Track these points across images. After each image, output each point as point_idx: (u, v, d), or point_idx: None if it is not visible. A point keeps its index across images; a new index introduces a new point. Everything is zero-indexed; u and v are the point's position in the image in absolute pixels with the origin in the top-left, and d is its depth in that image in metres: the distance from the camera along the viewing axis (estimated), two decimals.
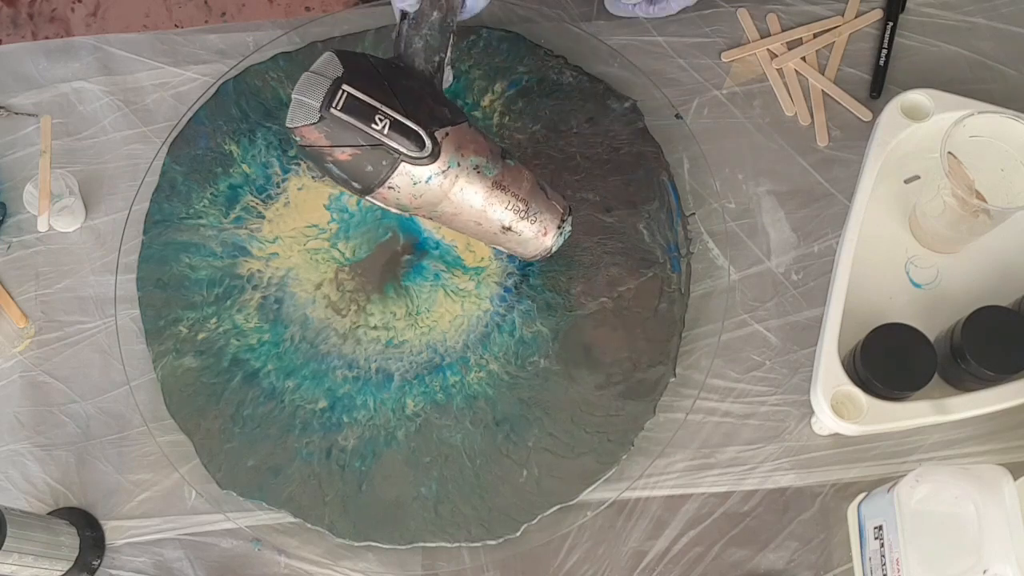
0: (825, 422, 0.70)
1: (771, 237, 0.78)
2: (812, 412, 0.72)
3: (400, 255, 0.77)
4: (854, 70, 0.82)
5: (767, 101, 0.81)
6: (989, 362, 0.67)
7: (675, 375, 0.73)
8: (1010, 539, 0.57)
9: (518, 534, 0.71)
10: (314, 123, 0.60)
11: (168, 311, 0.77)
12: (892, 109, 0.76)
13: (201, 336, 0.76)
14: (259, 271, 0.78)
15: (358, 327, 0.76)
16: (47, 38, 1.63)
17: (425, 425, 0.73)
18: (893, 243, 0.76)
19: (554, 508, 0.71)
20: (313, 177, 0.80)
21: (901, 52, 0.82)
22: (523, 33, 0.83)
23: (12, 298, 0.80)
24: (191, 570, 0.73)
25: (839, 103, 0.81)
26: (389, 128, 0.60)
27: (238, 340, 0.76)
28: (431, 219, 0.67)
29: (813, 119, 0.80)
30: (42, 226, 0.81)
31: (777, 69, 0.82)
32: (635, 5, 0.81)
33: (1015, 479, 0.59)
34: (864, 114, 0.80)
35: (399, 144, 0.60)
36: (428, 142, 0.61)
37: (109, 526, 0.74)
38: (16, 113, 0.86)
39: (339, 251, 0.78)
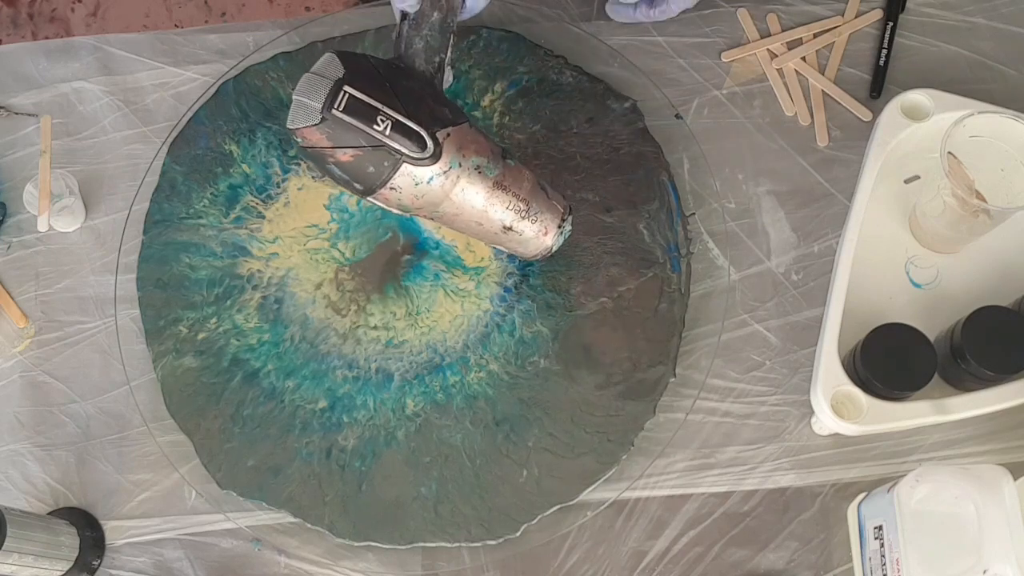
0: (825, 422, 0.70)
1: (771, 237, 0.78)
2: (812, 412, 0.72)
3: (400, 255, 0.77)
4: (854, 70, 0.82)
5: (767, 101, 0.81)
6: (989, 362, 0.67)
7: (675, 375, 0.73)
8: (1010, 539, 0.57)
9: (518, 534, 0.71)
10: (315, 124, 0.60)
11: (168, 311, 0.77)
12: (892, 109, 0.76)
13: (201, 336, 0.76)
14: (259, 271, 0.78)
15: (358, 327, 0.76)
16: (47, 38, 1.63)
17: (425, 425, 0.73)
18: (893, 243, 0.76)
19: (554, 508, 0.71)
20: (313, 177, 0.80)
21: (901, 52, 0.82)
22: (523, 33, 0.83)
23: (12, 298, 0.80)
24: (191, 570, 0.73)
25: (839, 103, 0.81)
26: (391, 129, 0.60)
27: (238, 340, 0.76)
28: (432, 219, 0.67)
29: (813, 119, 0.80)
30: (42, 226, 0.81)
31: (777, 69, 0.82)
32: (636, 9, 0.81)
33: (1015, 479, 0.59)
34: (864, 114, 0.80)
35: (401, 145, 0.60)
36: (430, 143, 0.61)
37: (109, 526, 0.74)
38: (16, 113, 0.86)
39: (339, 251, 0.78)
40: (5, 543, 0.63)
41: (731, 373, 0.74)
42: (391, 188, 0.62)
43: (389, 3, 0.67)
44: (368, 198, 0.64)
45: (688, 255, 0.76)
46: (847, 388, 0.69)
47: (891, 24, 0.82)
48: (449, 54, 0.67)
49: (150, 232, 0.80)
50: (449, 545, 0.71)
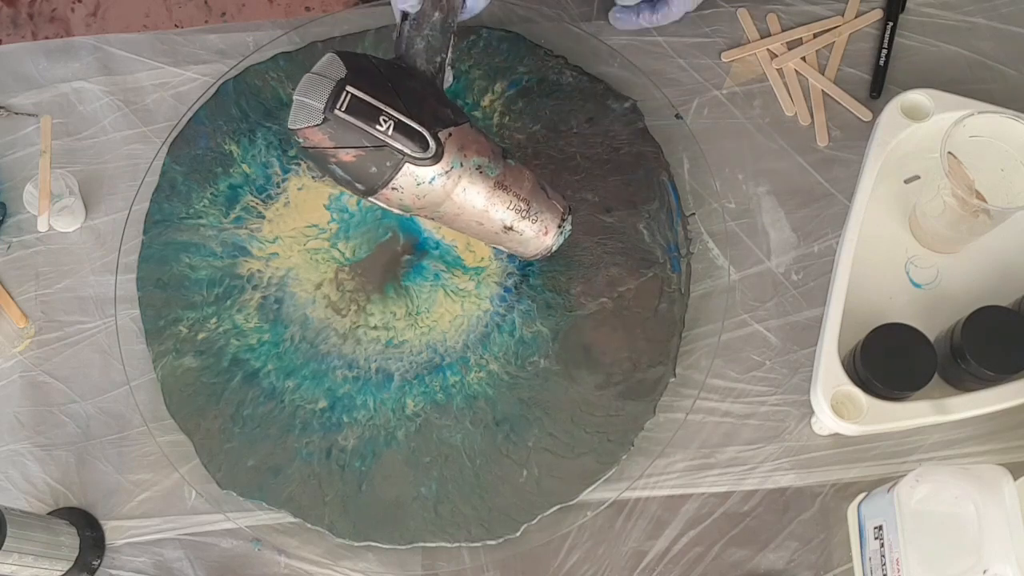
0: (825, 422, 0.70)
1: (771, 237, 0.78)
2: (812, 412, 0.72)
3: (400, 255, 0.77)
4: (854, 70, 0.82)
5: (767, 101, 0.81)
6: (989, 362, 0.67)
7: (675, 375, 0.73)
8: (1010, 539, 0.57)
9: (518, 534, 0.71)
10: (317, 124, 0.60)
11: (168, 311, 0.77)
12: (892, 109, 0.76)
13: (201, 336, 0.76)
14: (259, 271, 0.78)
15: (358, 327, 0.76)
16: (47, 38, 1.63)
17: (425, 425, 0.73)
18: (893, 243, 0.76)
19: (554, 508, 0.71)
20: (313, 177, 0.80)
21: (901, 52, 0.82)
22: (523, 33, 0.83)
23: (12, 298, 0.80)
24: (191, 570, 0.73)
25: (839, 103, 0.81)
26: (393, 129, 0.60)
27: (238, 340, 0.76)
28: (432, 219, 0.67)
29: (813, 119, 0.80)
30: (42, 226, 0.81)
31: (777, 69, 0.82)
32: (639, 16, 0.80)
33: (1015, 479, 0.59)
34: (864, 114, 0.80)
35: (403, 145, 0.60)
36: (432, 143, 0.61)
37: (109, 526, 0.74)
38: (16, 113, 0.86)
39: (339, 251, 0.78)
40: (5, 543, 0.63)
41: (731, 373, 0.74)
42: (393, 188, 0.62)
43: (389, 3, 0.67)
44: (369, 198, 0.64)
45: (688, 255, 0.76)
46: (847, 388, 0.69)
47: (891, 24, 0.82)
48: (450, 54, 0.67)
49: (150, 232, 0.80)
50: (449, 545, 0.71)
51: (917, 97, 0.76)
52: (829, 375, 0.69)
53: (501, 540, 0.71)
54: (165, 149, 0.82)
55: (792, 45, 0.83)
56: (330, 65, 0.61)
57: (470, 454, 0.72)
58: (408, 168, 0.61)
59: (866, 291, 0.74)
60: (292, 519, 0.72)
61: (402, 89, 0.61)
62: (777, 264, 0.77)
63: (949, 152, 0.68)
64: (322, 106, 0.60)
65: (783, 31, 0.83)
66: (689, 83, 0.82)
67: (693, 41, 0.83)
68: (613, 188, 0.78)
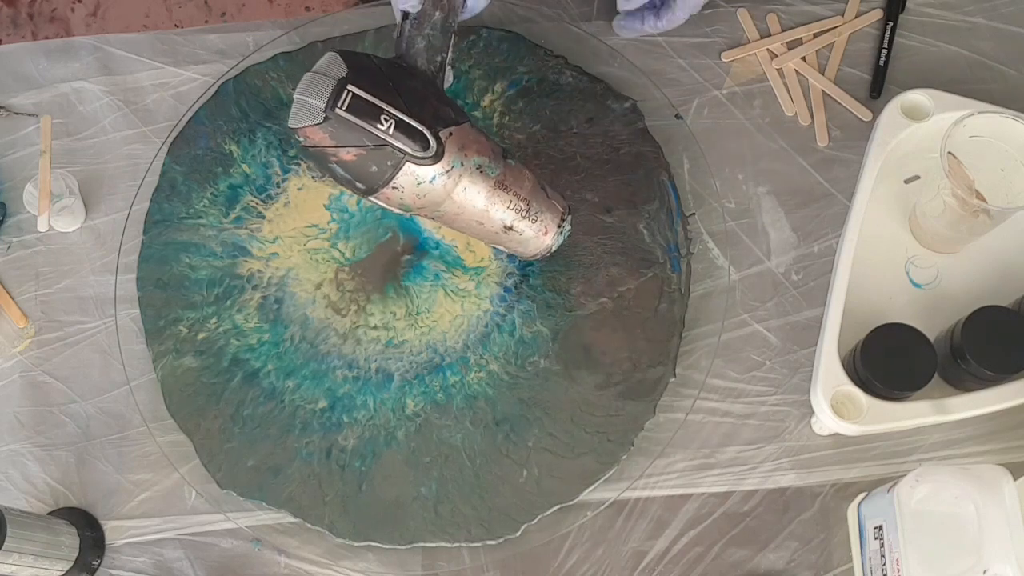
0: (825, 422, 0.70)
1: (771, 237, 0.78)
2: (812, 412, 0.72)
3: (400, 255, 0.77)
4: (854, 70, 0.82)
5: (767, 101, 0.81)
6: (989, 362, 0.67)
7: (675, 375, 0.73)
8: (1010, 539, 0.57)
9: (518, 534, 0.71)
10: (318, 123, 0.60)
11: (168, 311, 0.77)
12: (892, 109, 0.76)
13: (201, 336, 0.76)
14: (259, 271, 0.78)
15: (358, 327, 0.76)
16: (47, 38, 1.63)
17: (425, 425, 0.73)
18: (893, 243, 0.76)
19: (554, 508, 0.71)
20: (313, 177, 0.80)
21: (901, 52, 0.82)
22: (523, 33, 0.83)
23: (12, 298, 0.80)
24: (191, 570, 0.73)
25: (839, 103, 0.81)
26: (394, 128, 0.60)
27: (238, 340, 0.76)
28: (432, 219, 0.67)
29: (813, 119, 0.80)
30: (42, 226, 0.81)
31: (777, 69, 0.82)
32: (643, 23, 0.80)
33: (1015, 479, 0.59)
34: (864, 114, 0.80)
35: (404, 144, 0.60)
36: (433, 142, 0.61)
37: (109, 526, 0.74)
38: (16, 113, 0.86)
39: (339, 251, 0.78)
40: (5, 543, 0.63)
41: (731, 373, 0.74)
42: (393, 187, 0.62)
43: (389, 3, 0.67)
44: (370, 197, 0.64)
45: (688, 255, 0.76)
46: (847, 388, 0.69)
47: (891, 24, 0.82)
48: (450, 54, 0.67)
49: (150, 232, 0.80)
50: (449, 545, 0.71)
51: (917, 97, 0.76)
52: (829, 375, 0.69)
53: (501, 540, 0.71)
54: (165, 149, 0.82)
55: (792, 45, 0.83)
56: (331, 64, 0.61)
57: (470, 454, 0.72)
58: (409, 167, 0.61)
59: (866, 291, 0.74)
60: (292, 519, 0.72)
61: (403, 88, 0.61)
62: (777, 264, 0.77)
63: (949, 152, 0.68)
64: (323, 105, 0.60)
65: (783, 31, 0.83)
66: (689, 83, 0.82)
67: (693, 41, 0.83)
68: (613, 188, 0.78)
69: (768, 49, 0.83)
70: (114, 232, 0.81)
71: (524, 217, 0.67)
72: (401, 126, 0.60)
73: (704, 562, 0.70)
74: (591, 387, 0.73)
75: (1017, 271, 0.74)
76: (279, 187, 0.80)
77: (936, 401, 0.68)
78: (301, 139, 0.62)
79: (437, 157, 0.61)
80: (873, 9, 0.83)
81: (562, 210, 0.69)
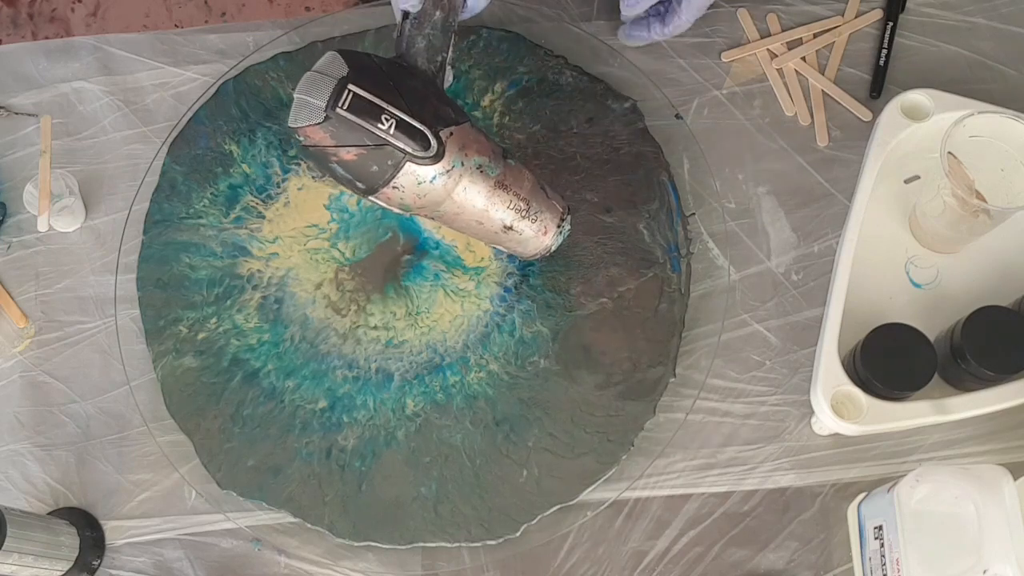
0: (825, 422, 0.70)
1: (771, 237, 0.78)
2: (812, 412, 0.72)
3: (400, 255, 0.77)
4: (854, 70, 0.82)
5: (767, 101, 0.81)
6: (989, 362, 0.67)
7: (675, 375, 0.73)
8: (1010, 539, 0.57)
9: (518, 534, 0.71)
10: (319, 123, 0.60)
11: (168, 311, 0.77)
12: (892, 109, 0.76)
13: (201, 336, 0.76)
14: (259, 271, 0.78)
15: (358, 327, 0.76)
16: (47, 38, 1.63)
17: (425, 425, 0.73)
18: (893, 243, 0.76)
19: (554, 508, 0.71)
20: (313, 177, 0.80)
21: (901, 52, 0.82)
22: (523, 33, 0.83)
23: (12, 298, 0.80)
24: (191, 570, 0.73)
25: (839, 103, 0.81)
26: (395, 128, 0.60)
27: (238, 340, 0.76)
28: (432, 219, 0.67)
29: (813, 119, 0.80)
30: (42, 226, 0.81)
31: (777, 69, 0.82)
32: (650, 30, 0.80)
33: (1015, 479, 0.59)
34: (864, 114, 0.80)
35: (405, 144, 0.60)
36: (434, 142, 0.61)
37: (109, 526, 0.74)
38: (16, 113, 0.86)
39: (339, 251, 0.78)
40: (5, 543, 0.63)
41: (731, 373, 0.74)
42: (394, 187, 0.62)
43: (389, 3, 0.67)
44: (370, 197, 0.64)
45: (688, 255, 0.76)
46: (847, 388, 0.69)
47: (891, 24, 0.82)
48: (450, 53, 0.67)
49: (150, 232, 0.80)
50: (449, 545, 0.71)
51: (917, 97, 0.76)
52: (829, 375, 0.69)
53: (501, 540, 0.71)
54: (165, 149, 0.82)
55: (792, 45, 0.83)
56: (332, 63, 0.61)
57: (470, 454, 0.72)
58: (409, 167, 0.61)
59: (866, 291, 0.74)
60: (292, 519, 0.72)
61: (404, 88, 0.61)
62: (777, 264, 0.77)
63: (949, 152, 0.68)
64: (324, 104, 0.60)
65: (783, 31, 0.83)
66: (689, 83, 0.82)
67: (693, 41, 0.83)
68: (613, 188, 0.78)
69: (768, 49, 0.83)
70: (114, 232, 0.81)
71: (524, 217, 0.67)
72: (402, 126, 0.60)
73: (704, 562, 0.70)
74: (591, 387, 0.73)
75: (1017, 271, 0.74)
76: (279, 187, 0.80)
77: (936, 401, 0.68)
78: (301, 138, 0.62)
79: (438, 157, 0.61)
80: (873, 9, 0.83)
81: (561, 210, 0.69)
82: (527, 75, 0.81)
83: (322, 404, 0.74)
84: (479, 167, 0.64)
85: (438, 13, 0.65)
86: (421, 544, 0.71)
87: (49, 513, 0.74)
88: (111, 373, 0.77)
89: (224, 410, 0.75)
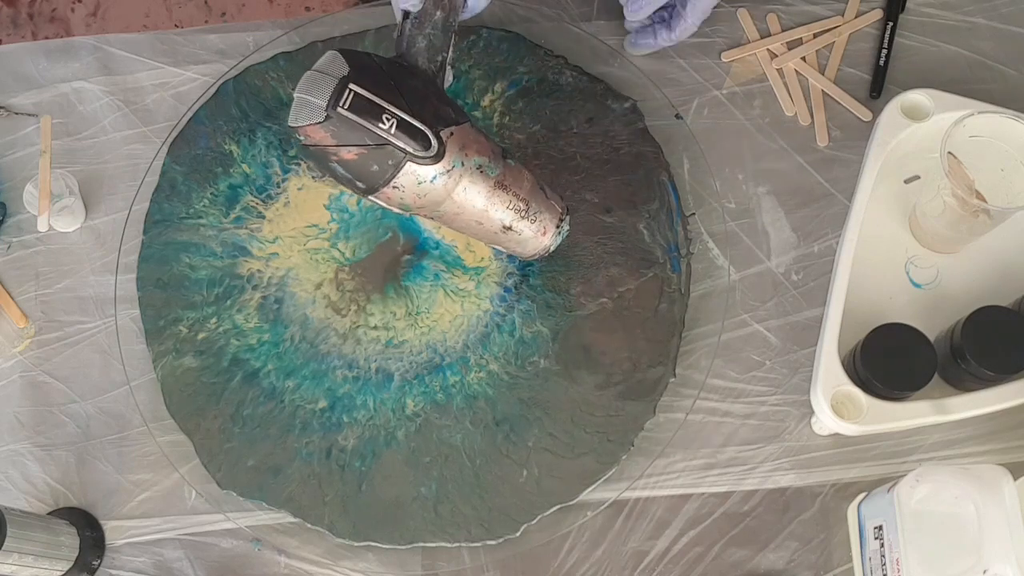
0: (825, 422, 0.70)
1: (771, 237, 0.78)
2: (812, 412, 0.72)
3: (400, 255, 0.77)
4: (854, 70, 0.82)
5: (767, 101, 0.81)
6: (989, 362, 0.67)
7: (675, 375, 0.73)
8: (1010, 539, 0.57)
9: (518, 534, 0.71)
10: (319, 122, 0.60)
11: (168, 311, 0.77)
12: (892, 109, 0.76)
13: (201, 336, 0.76)
14: (259, 271, 0.78)
15: (358, 327, 0.76)
16: (47, 38, 1.63)
17: (425, 425, 0.73)
18: (893, 243, 0.76)
19: (554, 508, 0.71)
20: (313, 177, 0.80)
21: (901, 52, 0.82)
22: (523, 33, 0.83)
23: (12, 298, 0.80)
24: (191, 570, 0.73)
25: (839, 103, 0.81)
26: (396, 127, 0.60)
27: (238, 340, 0.76)
28: (432, 219, 0.67)
29: (813, 119, 0.80)
30: (42, 226, 0.81)
31: (777, 69, 0.82)
32: (656, 37, 0.80)
33: (1015, 479, 0.59)
34: (864, 114, 0.80)
35: (405, 144, 0.60)
36: (434, 142, 0.61)
37: (109, 526, 0.74)
38: (16, 113, 0.86)
39: (339, 251, 0.78)
40: (5, 543, 0.63)
41: (731, 373, 0.74)
42: (394, 187, 0.62)
43: (389, 3, 0.67)
44: (370, 197, 0.64)
45: (688, 255, 0.76)
46: (847, 388, 0.69)
47: (891, 24, 0.82)
48: (450, 53, 0.67)
49: (150, 232, 0.80)
50: (449, 545, 0.71)
51: (917, 97, 0.76)
52: (829, 375, 0.69)
53: (501, 540, 0.71)
54: (165, 149, 0.82)
55: (792, 45, 0.83)
56: (332, 62, 0.61)
57: (470, 454, 0.72)
58: (410, 167, 0.61)
59: (866, 291, 0.74)
60: (292, 519, 0.72)
61: (404, 87, 0.61)
62: (777, 264, 0.77)
63: (949, 152, 0.68)
64: (324, 103, 0.60)
65: (783, 31, 0.83)
66: (689, 83, 0.82)
67: (693, 41, 0.83)
68: (613, 188, 0.78)
69: (768, 49, 0.83)
70: (114, 232, 0.81)
71: (523, 217, 0.67)
72: (402, 125, 0.60)
73: (704, 562, 0.70)
74: (591, 387, 0.73)
75: (1017, 271, 0.74)
76: (279, 187, 0.80)
77: (936, 401, 0.68)
78: (302, 138, 0.62)
79: (438, 157, 0.61)
80: (873, 9, 0.83)
81: (560, 210, 0.69)
82: (527, 75, 0.81)
83: (322, 404, 0.74)
84: (479, 167, 0.64)
85: (439, 13, 0.65)
86: (421, 544, 0.71)
87: (49, 513, 0.74)
88: (111, 373, 0.77)
89: (224, 410, 0.75)
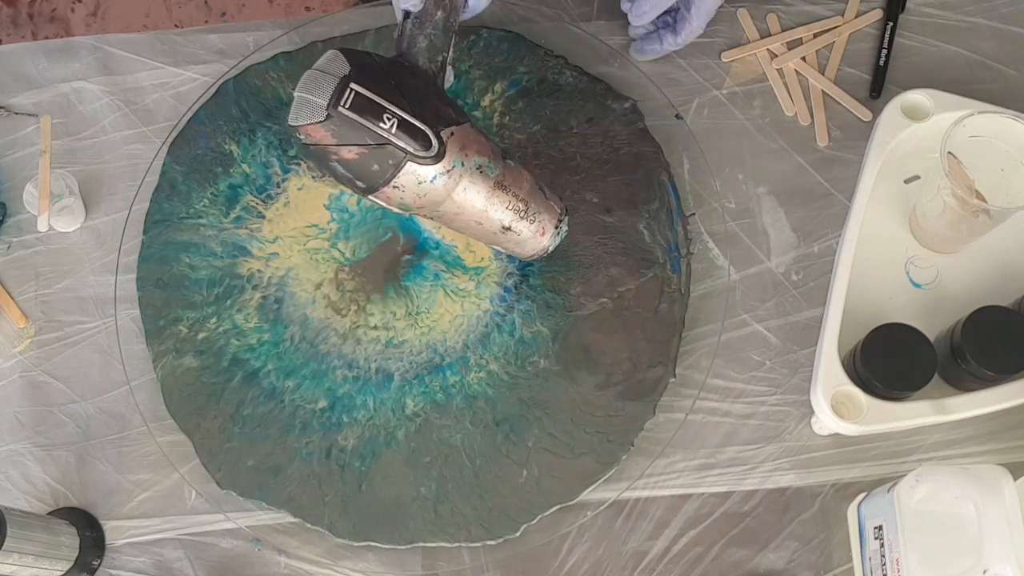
0: (825, 422, 0.70)
1: (771, 237, 0.78)
2: (812, 412, 0.72)
3: (400, 255, 0.77)
4: (854, 70, 0.82)
5: (767, 101, 0.81)
6: (989, 362, 0.67)
7: (675, 375, 0.73)
8: (1010, 539, 0.57)
9: (518, 534, 0.71)
10: (320, 121, 0.60)
11: (168, 311, 0.77)
12: (892, 109, 0.76)
13: (201, 336, 0.76)
14: (259, 271, 0.78)
15: (358, 327, 0.76)
16: (47, 38, 1.63)
17: (425, 425, 0.73)
18: (893, 243, 0.76)
19: (554, 508, 0.71)
20: (313, 177, 0.80)
21: (901, 52, 0.82)
22: (523, 33, 0.83)
23: (12, 298, 0.80)
24: (191, 570, 0.73)
25: (839, 103, 0.81)
26: (396, 127, 0.60)
27: (238, 340, 0.76)
28: (431, 218, 0.67)
29: (813, 119, 0.80)
30: (42, 226, 0.81)
31: (777, 69, 0.82)
32: (662, 43, 0.80)
33: (1015, 479, 0.59)
34: (864, 114, 0.80)
35: (406, 144, 0.60)
36: (435, 142, 0.61)
37: (109, 526, 0.74)
38: (16, 113, 0.86)
39: (339, 251, 0.78)
40: (5, 543, 0.63)
41: (731, 373, 0.74)
42: (394, 187, 0.62)
43: (390, 3, 0.67)
44: (370, 196, 0.64)
45: (688, 255, 0.76)
46: (847, 388, 0.69)
47: (891, 24, 0.82)
48: (451, 53, 0.67)
49: (150, 232, 0.80)
50: (449, 545, 0.71)
51: (917, 97, 0.76)
52: (829, 375, 0.69)
53: (501, 540, 0.71)
54: (165, 149, 0.82)
55: (792, 45, 0.83)
56: (333, 61, 0.61)
57: (470, 454, 0.72)
58: (410, 166, 0.61)
59: (866, 291, 0.74)
60: (292, 519, 0.72)
61: (405, 87, 0.61)
62: (777, 264, 0.77)
63: (949, 152, 0.68)
64: (325, 103, 0.60)
65: (783, 31, 0.83)
66: (689, 83, 0.82)
67: (693, 41, 0.83)
68: (613, 188, 0.78)
69: (768, 49, 0.83)
70: (114, 232, 0.81)
71: (522, 218, 0.67)
72: (403, 125, 0.60)
73: (704, 562, 0.70)
74: (591, 387, 0.73)
75: (1017, 271, 0.74)
76: (279, 187, 0.80)
77: (936, 401, 0.68)
78: (302, 137, 0.61)
79: (438, 157, 0.61)
80: (873, 9, 0.83)
81: (559, 211, 0.69)
82: (527, 75, 0.81)
83: (322, 404, 0.74)
84: (479, 167, 0.64)
85: (440, 13, 0.65)
86: (421, 544, 0.71)
87: (49, 513, 0.74)
88: (111, 373, 0.77)
89: (224, 410, 0.75)
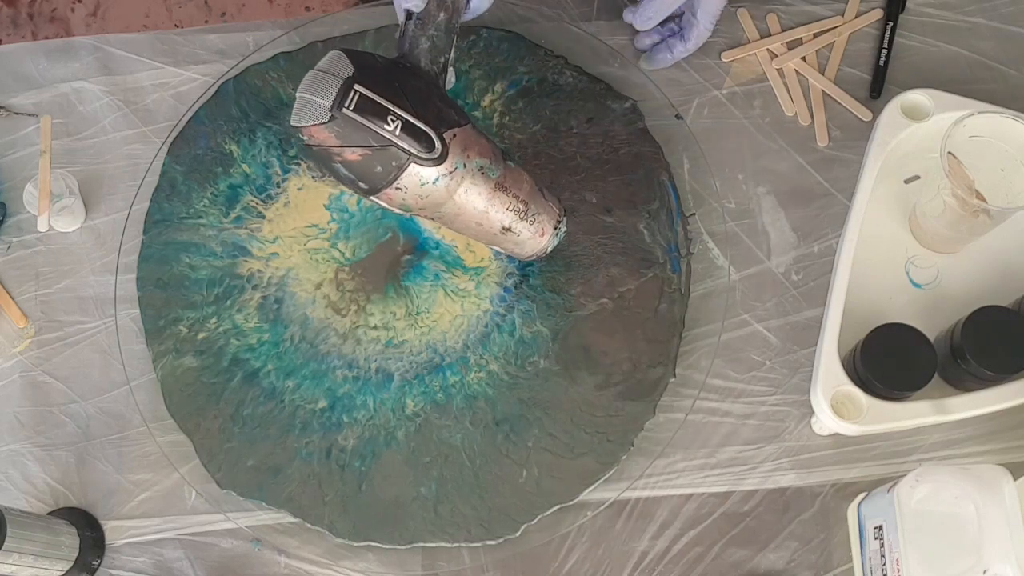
0: (825, 422, 0.70)
1: (771, 237, 0.78)
2: (812, 412, 0.72)
3: (400, 255, 0.77)
4: (854, 70, 0.82)
5: (767, 101, 0.81)
6: (989, 362, 0.67)
7: (675, 375, 0.73)
8: (1010, 539, 0.57)
9: (518, 534, 0.71)
10: (324, 123, 0.60)
11: (168, 311, 0.77)
12: (892, 109, 0.76)
13: (201, 336, 0.76)
14: (259, 271, 0.78)
15: (358, 327, 0.76)
16: (47, 38, 1.64)
17: (425, 425, 0.73)
18: (893, 243, 0.76)
19: (554, 508, 0.71)
20: (313, 177, 0.80)
21: (901, 52, 0.82)
22: (523, 33, 0.83)
23: (12, 298, 0.80)
24: (191, 570, 0.73)
25: (839, 103, 0.81)
26: (400, 129, 0.60)
27: (238, 340, 0.76)
28: (432, 219, 0.67)
29: (813, 119, 0.80)
30: (42, 226, 0.81)
31: (777, 69, 0.82)
32: (672, 51, 0.79)
33: (1015, 479, 0.59)
34: (864, 114, 0.80)
35: (410, 145, 0.60)
36: (438, 143, 0.61)
37: (109, 526, 0.74)
38: (16, 113, 0.86)
39: (339, 251, 0.78)
40: (5, 543, 0.63)
41: (731, 373, 0.74)
42: (396, 188, 0.62)
43: (390, 3, 0.67)
44: (372, 197, 0.64)
45: (688, 255, 0.76)
46: (847, 388, 0.69)
47: (891, 24, 0.82)
48: (452, 54, 0.67)
49: (150, 232, 0.80)
50: (449, 545, 0.71)
51: (917, 97, 0.76)
52: (829, 375, 0.69)
53: (501, 540, 0.71)
54: (165, 149, 0.82)
55: (792, 45, 0.83)
56: (336, 62, 0.60)
57: (470, 454, 0.72)
58: (413, 168, 0.61)
59: (866, 291, 0.74)
60: (292, 519, 0.72)
61: (408, 89, 0.61)
62: (777, 264, 0.77)
63: (949, 152, 0.68)
64: (329, 104, 0.59)
65: (783, 31, 0.83)
66: (689, 83, 0.82)
67: None
68: (613, 188, 0.78)
69: (768, 49, 0.83)
70: (114, 232, 0.81)
71: (522, 219, 0.67)
72: (407, 127, 0.60)
73: (704, 562, 0.70)
74: (591, 387, 0.73)
75: (1017, 271, 0.74)
76: (279, 187, 0.80)
77: (936, 401, 0.68)
78: (305, 138, 0.61)
79: (441, 158, 0.61)
80: (873, 9, 0.83)
81: (558, 212, 0.69)
82: (527, 75, 0.81)
83: (322, 404, 0.74)
84: (481, 169, 0.64)
85: (442, 14, 0.65)
86: (421, 544, 0.71)
87: (49, 513, 0.74)
88: (111, 373, 0.77)
89: (224, 410, 0.75)
